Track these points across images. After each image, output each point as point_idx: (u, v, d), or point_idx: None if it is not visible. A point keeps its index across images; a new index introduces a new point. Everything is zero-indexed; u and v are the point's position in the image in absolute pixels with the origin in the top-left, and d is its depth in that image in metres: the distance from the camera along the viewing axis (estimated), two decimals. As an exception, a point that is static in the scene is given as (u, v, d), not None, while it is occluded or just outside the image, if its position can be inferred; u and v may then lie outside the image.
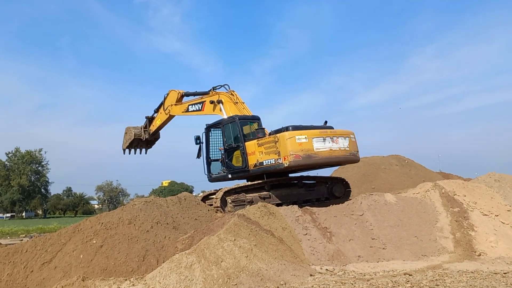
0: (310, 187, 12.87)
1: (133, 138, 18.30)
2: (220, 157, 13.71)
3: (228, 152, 13.16)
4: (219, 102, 14.32)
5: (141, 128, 18.39)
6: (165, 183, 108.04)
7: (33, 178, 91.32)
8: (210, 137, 14.10)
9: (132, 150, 19.27)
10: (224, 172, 13.27)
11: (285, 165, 11.29)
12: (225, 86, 15.19)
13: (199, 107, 15.27)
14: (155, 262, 8.38)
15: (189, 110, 15.68)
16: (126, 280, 7.39)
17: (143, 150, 19.46)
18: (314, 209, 11.02)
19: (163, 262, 8.13)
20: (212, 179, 13.88)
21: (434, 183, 12.30)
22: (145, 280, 7.26)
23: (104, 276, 7.79)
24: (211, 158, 14.04)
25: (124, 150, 19.31)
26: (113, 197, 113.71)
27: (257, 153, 12.09)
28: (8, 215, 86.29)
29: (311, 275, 8.07)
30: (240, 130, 12.76)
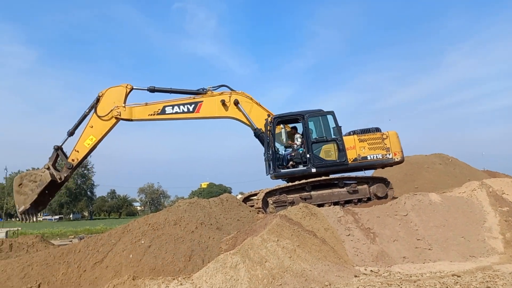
0: (352, 187, 12.74)
1: (46, 185, 12.47)
2: (292, 151, 13.14)
3: (314, 145, 12.80)
4: (236, 102, 13.65)
5: (49, 166, 12.88)
6: (204, 185, 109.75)
7: (79, 181, 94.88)
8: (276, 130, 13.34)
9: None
10: (305, 167, 12.79)
11: (396, 159, 12.98)
12: (225, 86, 13.95)
13: (189, 109, 13.35)
14: (200, 262, 8.58)
15: (167, 112, 13.29)
16: (174, 279, 7.61)
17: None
18: (356, 209, 10.93)
19: (208, 262, 8.31)
20: (280, 175, 12.91)
21: (480, 181, 11.91)
22: (192, 280, 7.45)
23: (152, 275, 8.05)
24: (284, 152, 13.31)
25: (25, 215, 12.64)
26: (155, 199, 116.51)
27: (357, 148, 12.80)
28: (57, 217, 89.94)
29: (355, 276, 8.02)
30: (337, 123, 12.90)
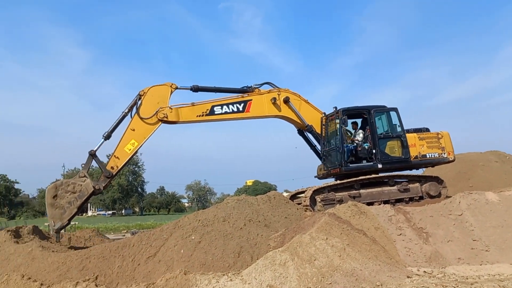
0: (403, 185, 12.40)
1: (87, 196, 11.14)
2: (357, 146, 12.96)
3: (380, 141, 12.78)
4: (287, 100, 13.22)
5: (85, 174, 11.32)
6: (249, 182, 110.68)
7: (130, 178, 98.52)
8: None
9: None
10: (371, 162, 12.77)
11: (450, 159, 13.36)
12: (269, 83, 13.44)
13: (238, 108, 12.60)
14: (249, 258, 8.66)
15: (216, 112, 12.39)
16: (224, 275, 7.73)
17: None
18: (408, 208, 10.61)
19: (257, 258, 8.37)
20: (349, 169, 12.59)
21: (543, 180, 11.23)
22: (242, 276, 7.54)
23: (203, 270, 8.22)
24: (350, 147, 13.00)
25: (59, 232, 11.21)
26: (201, 196, 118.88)
27: (417, 146, 12.95)
28: (110, 212, 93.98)
29: (408, 277, 7.80)
30: (400, 119, 12.93)
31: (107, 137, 11.63)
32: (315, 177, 15.08)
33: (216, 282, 7.44)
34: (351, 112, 13.09)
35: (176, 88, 12.24)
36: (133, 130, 11.71)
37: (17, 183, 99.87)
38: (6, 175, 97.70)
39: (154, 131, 11.93)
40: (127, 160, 11.87)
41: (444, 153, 13.31)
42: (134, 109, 11.90)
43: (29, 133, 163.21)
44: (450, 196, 11.73)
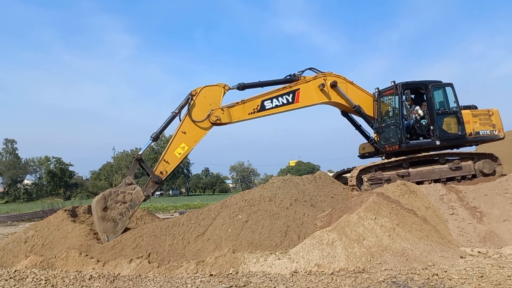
0: (455, 163, 11.94)
1: (139, 206, 10.79)
2: (414, 123, 12.57)
3: (438, 117, 12.44)
4: (334, 85, 12.68)
5: (132, 180, 10.68)
6: (292, 163, 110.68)
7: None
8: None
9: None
10: (429, 138, 12.39)
11: (501, 136, 13.16)
12: (312, 69, 12.88)
13: (288, 100, 12.19)
14: (296, 237, 8.67)
15: (267, 107, 11.97)
16: (271, 254, 7.81)
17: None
18: (460, 187, 10.21)
19: (304, 238, 8.38)
20: (409, 146, 12.11)
21: None
22: (289, 255, 7.58)
23: (251, 249, 8.33)
24: (407, 123, 12.57)
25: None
26: (245, 177, 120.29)
27: (471, 123, 12.69)
28: (158, 193, 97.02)
29: (461, 257, 7.56)
30: (456, 95, 12.68)
31: (156, 138, 10.95)
32: (358, 156, 14.81)
33: (264, 260, 7.53)
34: (409, 87, 12.54)
35: (229, 89, 11.69)
36: (184, 133, 11.11)
37: (71, 165, 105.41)
38: (61, 158, 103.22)
39: (206, 134, 11.42)
40: (177, 164, 11.28)
41: (495, 130, 13.02)
42: (184, 110, 11.26)
43: (80, 117, 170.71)
44: (505, 174, 11.19)
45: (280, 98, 12.05)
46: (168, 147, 11.12)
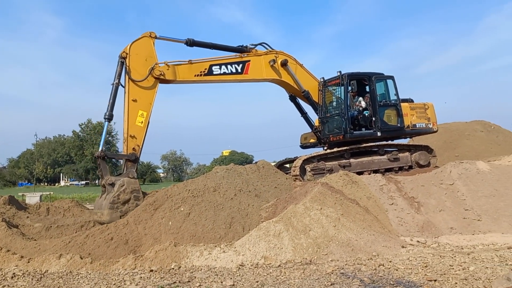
0: (393, 155, 12.27)
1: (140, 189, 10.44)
2: (357, 114, 12.56)
3: (380, 109, 12.57)
4: (285, 63, 12.43)
5: (112, 180, 10.09)
6: (226, 153, 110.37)
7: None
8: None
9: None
10: (371, 129, 12.52)
11: (435, 129, 13.64)
12: (263, 44, 12.57)
13: (237, 69, 11.69)
14: (241, 229, 8.38)
15: (214, 73, 11.41)
16: (216, 246, 7.42)
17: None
18: (399, 177, 10.51)
19: (249, 229, 8.11)
20: (353, 136, 12.16)
21: (532, 150, 11.25)
22: (235, 247, 7.24)
23: (193, 242, 7.88)
24: (352, 114, 12.49)
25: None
26: (177, 166, 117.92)
27: (409, 116, 13.02)
28: (83, 182, 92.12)
29: (403, 247, 7.69)
30: (397, 88, 12.88)
31: (110, 117, 10.32)
32: (300, 146, 14.81)
33: (209, 253, 7.13)
34: (354, 78, 12.64)
35: (156, 37, 10.86)
36: (135, 100, 10.43)
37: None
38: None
39: (156, 93, 10.78)
40: (144, 134, 10.64)
41: (430, 124, 13.50)
42: (123, 77, 10.49)
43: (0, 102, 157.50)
44: (438, 167, 11.67)
45: (229, 66, 11.65)
46: (127, 122, 10.40)
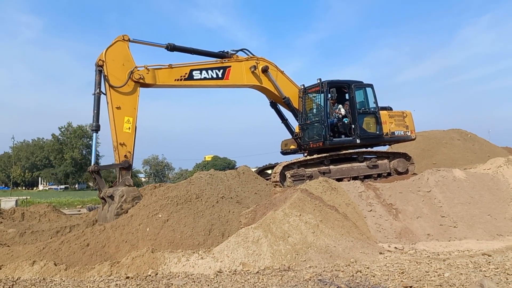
0: (372, 162, 12.41)
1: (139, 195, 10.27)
2: (337, 121, 12.65)
3: (359, 116, 12.68)
4: (265, 70, 12.52)
5: (111, 192, 10.00)
6: (208, 158, 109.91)
7: (84, 152, 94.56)
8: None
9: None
10: (350, 137, 12.61)
11: (413, 137, 13.86)
12: (245, 50, 12.61)
13: (218, 74, 11.71)
14: (220, 236, 8.33)
15: (195, 77, 11.40)
16: (194, 253, 7.35)
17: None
18: (378, 184, 10.61)
19: (228, 236, 8.06)
20: (332, 144, 12.22)
21: (507, 158, 11.54)
22: (213, 254, 7.19)
23: (171, 248, 7.80)
24: (331, 121, 12.57)
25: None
26: (159, 171, 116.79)
27: (388, 123, 13.16)
28: (62, 186, 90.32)
29: (380, 253, 7.75)
30: (375, 96, 13.01)
31: (97, 128, 10.29)
32: (281, 152, 14.86)
33: (186, 260, 7.06)
34: (334, 85, 12.75)
35: (130, 40, 10.72)
36: (119, 108, 10.33)
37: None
38: None
39: (138, 97, 10.70)
40: (134, 139, 10.56)
41: (408, 131, 13.70)
42: (103, 86, 10.42)
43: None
44: (416, 174, 11.85)
45: (210, 71, 11.64)
46: (114, 130, 10.30)
